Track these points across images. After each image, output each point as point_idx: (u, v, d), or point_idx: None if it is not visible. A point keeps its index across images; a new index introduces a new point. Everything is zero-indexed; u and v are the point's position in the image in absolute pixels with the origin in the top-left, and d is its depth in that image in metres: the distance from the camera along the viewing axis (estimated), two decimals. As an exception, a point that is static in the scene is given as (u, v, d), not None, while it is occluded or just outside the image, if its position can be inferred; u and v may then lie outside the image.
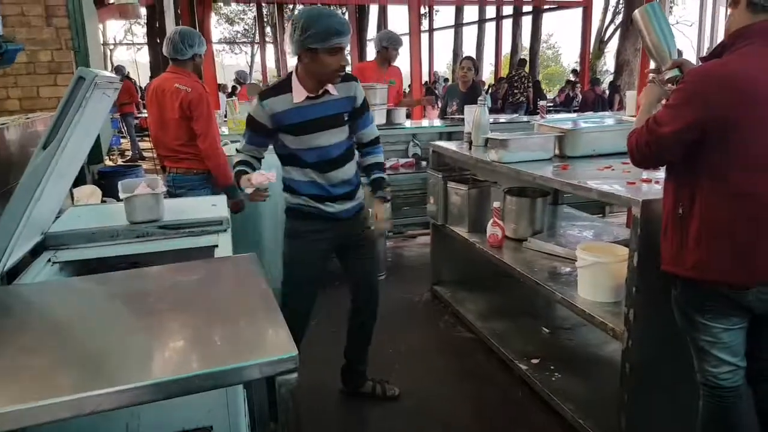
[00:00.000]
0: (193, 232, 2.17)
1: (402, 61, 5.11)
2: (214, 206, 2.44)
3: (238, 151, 2.37)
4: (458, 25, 20.66)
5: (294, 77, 2.21)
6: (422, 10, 11.52)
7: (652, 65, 1.99)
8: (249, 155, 2.33)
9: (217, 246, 2.09)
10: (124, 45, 27.31)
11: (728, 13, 1.64)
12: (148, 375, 1.07)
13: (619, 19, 17.06)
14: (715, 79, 1.56)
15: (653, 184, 2.21)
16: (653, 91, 1.87)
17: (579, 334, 3.18)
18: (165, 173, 3.23)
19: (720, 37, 5.53)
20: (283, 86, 2.24)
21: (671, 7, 5.67)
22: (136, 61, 23.56)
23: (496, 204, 3.03)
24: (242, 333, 1.27)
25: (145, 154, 10.45)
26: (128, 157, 10.66)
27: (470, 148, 3.31)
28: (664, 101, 1.78)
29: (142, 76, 20.85)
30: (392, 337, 3.28)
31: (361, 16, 18.02)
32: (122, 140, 11.57)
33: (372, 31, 23.99)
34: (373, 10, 19.60)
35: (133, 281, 1.65)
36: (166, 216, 2.20)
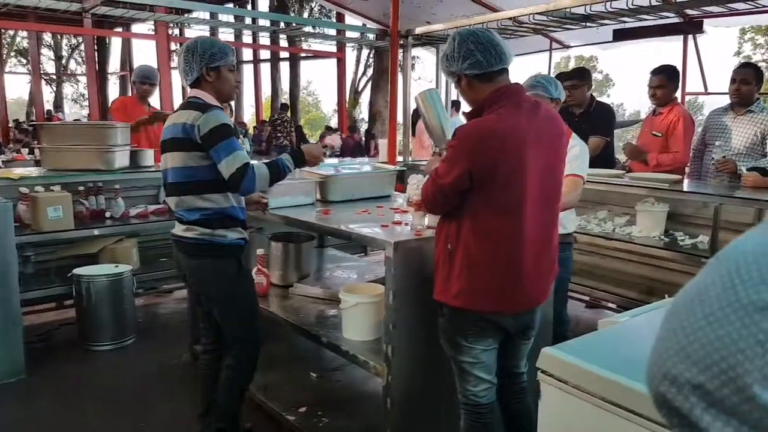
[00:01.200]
0: None
1: (153, 98, 4.77)
2: None
3: (246, 165, 2.14)
4: (214, 65, 20.30)
5: (207, 97, 2.24)
6: (172, 47, 11.05)
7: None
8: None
9: None
10: None
11: (466, 91, 1.89)
12: None
13: (370, 71, 18.52)
14: (479, 134, 1.79)
15: (404, 226, 2.37)
16: (437, 161, 2.07)
17: (346, 373, 3.21)
18: None
19: (454, 92, 6.38)
20: (208, 104, 2.21)
21: (413, 65, 6.47)
22: None
23: (260, 251, 2.93)
24: None
25: None
26: None
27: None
28: None
29: None
30: (145, 408, 2.93)
31: (101, 48, 16.58)
32: None
33: (114, 64, 22.22)
34: (116, 43, 18.22)
35: None
36: None
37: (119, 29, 12.98)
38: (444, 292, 1.90)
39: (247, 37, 18.05)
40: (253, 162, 2.21)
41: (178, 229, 2.30)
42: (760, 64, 4.92)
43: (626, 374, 1.16)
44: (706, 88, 6.25)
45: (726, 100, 3.76)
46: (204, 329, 2.53)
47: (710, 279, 0.43)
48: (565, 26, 4.86)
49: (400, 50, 5.67)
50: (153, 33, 10.05)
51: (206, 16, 5.73)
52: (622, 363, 1.23)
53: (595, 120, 4.02)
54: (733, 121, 3.60)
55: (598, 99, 4.14)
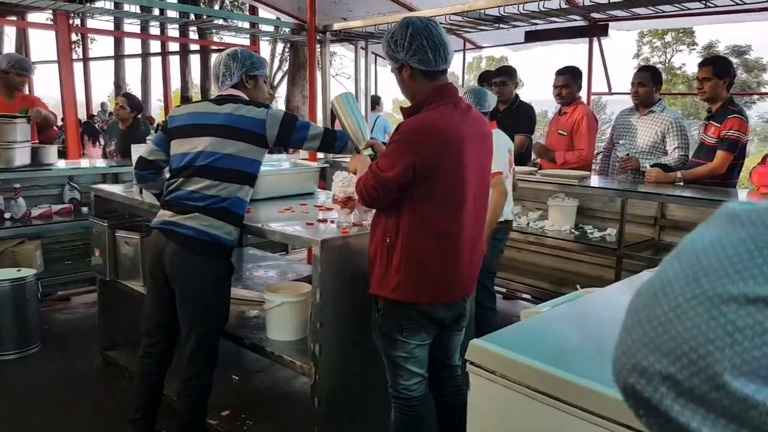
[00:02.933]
0: None
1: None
2: None
3: (324, 127, 2.45)
4: (119, 57, 19.23)
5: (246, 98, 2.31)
6: (74, 37, 10.34)
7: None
8: None
9: None
10: None
11: (407, 81, 1.90)
12: None
13: (286, 66, 18.11)
14: (423, 129, 1.83)
15: (329, 223, 2.34)
16: (365, 160, 2.14)
17: (269, 375, 3.16)
18: None
19: (373, 89, 6.41)
20: (256, 101, 2.33)
21: (331, 61, 6.37)
22: None
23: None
24: None
25: None
26: None
27: (141, 192, 3.01)
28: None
29: None
30: (54, 418, 2.77)
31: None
32: None
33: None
34: (11, 32, 16.82)
35: None
36: None
37: (13, 18, 11.97)
38: (382, 287, 1.90)
39: (154, 29, 17.17)
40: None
41: (178, 217, 2.19)
42: (657, 66, 5.28)
43: (551, 363, 1.20)
44: (610, 88, 6.65)
45: (627, 99, 4.03)
46: (152, 329, 2.40)
47: (672, 273, 0.44)
48: (479, 27, 5.00)
49: (318, 45, 5.62)
50: (52, 23, 9.35)
51: (110, 5, 5.40)
52: (547, 352, 1.28)
53: (518, 118, 4.19)
54: (638, 120, 3.85)
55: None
